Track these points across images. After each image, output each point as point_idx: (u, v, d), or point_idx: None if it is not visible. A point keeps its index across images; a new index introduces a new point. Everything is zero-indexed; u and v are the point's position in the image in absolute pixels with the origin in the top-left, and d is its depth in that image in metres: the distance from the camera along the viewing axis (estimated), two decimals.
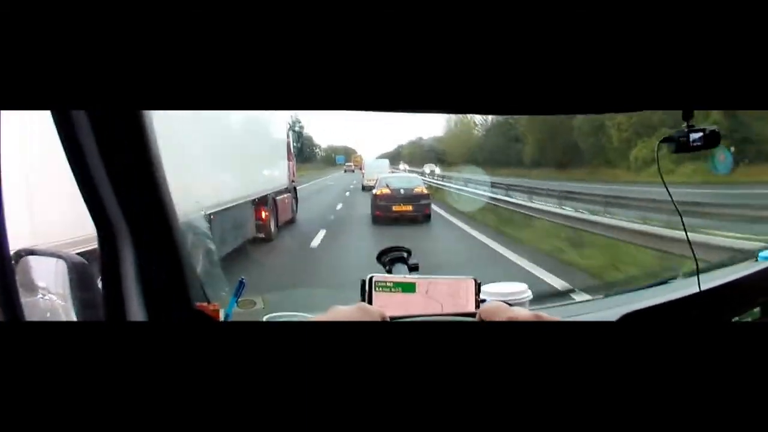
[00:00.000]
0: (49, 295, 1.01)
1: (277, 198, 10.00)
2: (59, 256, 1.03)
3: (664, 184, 1.32)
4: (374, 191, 12.15)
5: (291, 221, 11.33)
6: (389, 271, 1.17)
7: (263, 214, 9.04)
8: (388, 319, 0.64)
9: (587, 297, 1.70)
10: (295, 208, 11.97)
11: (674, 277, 1.61)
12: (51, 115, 0.93)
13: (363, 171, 21.77)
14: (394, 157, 57.85)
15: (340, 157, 57.95)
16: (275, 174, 10.48)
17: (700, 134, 1.18)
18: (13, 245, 0.74)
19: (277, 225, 9.88)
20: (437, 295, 0.88)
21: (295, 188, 12.13)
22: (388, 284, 0.87)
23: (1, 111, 0.71)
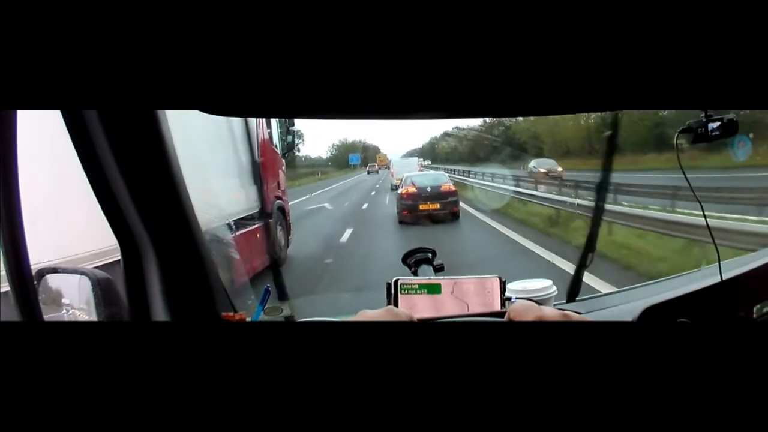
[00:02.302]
0: (73, 311, 1.02)
1: (238, 234, 5.04)
2: (83, 273, 1.04)
3: (683, 172, 1.31)
4: (399, 190, 11.77)
5: (276, 264, 6.05)
6: (415, 273, 1.17)
7: None
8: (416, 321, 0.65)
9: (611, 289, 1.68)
10: (281, 243, 6.78)
11: (696, 268, 1.60)
12: (65, 124, 0.92)
13: (392, 170, 21.47)
14: (427, 155, 46.61)
15: (354, 156, 46.14)
16: (232, 195, 5.48)
17: (718, 123, 1.18)
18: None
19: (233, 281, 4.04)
20: (463, 295, 0.89)
21: (283, 210, 7.05)
22: (413, 286, 0.88)
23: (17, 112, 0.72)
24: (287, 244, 7.03)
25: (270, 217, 6.39)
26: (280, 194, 7.26)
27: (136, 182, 0.97)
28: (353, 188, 24.14)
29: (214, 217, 3.24)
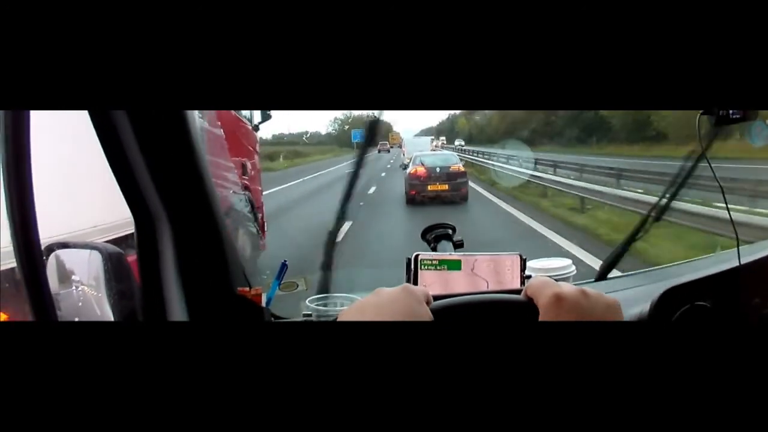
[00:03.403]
0: (83, 286, 1.02)
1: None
2: (93, 247, 1.03)
3: (707, 159, 1.29)
4: (408, 170, 11.66)
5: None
6: (434, 249, 1.16)
7: None
8: (432, 299, 0.64)
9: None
10: (246, 250, 2.90)
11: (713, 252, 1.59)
12: (95, 128, 0.91)
13: (403, 149, 21.16)
14: (447, 133, 41.84)
15: (357, 132, 35.81)
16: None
17: None
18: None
19: None
20: (482, 272, 0.89)
21: (251, 204, 4.90)
22: (433, 262, 0.88)
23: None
24: (256, 252, 3.71)
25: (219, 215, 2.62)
26: (246, 182, 5.19)
27: (154, 159, 0.97)
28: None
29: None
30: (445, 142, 33.94)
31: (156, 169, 0.96)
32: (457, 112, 40.83)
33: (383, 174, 18.03)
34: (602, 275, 1.56)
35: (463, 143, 32.73)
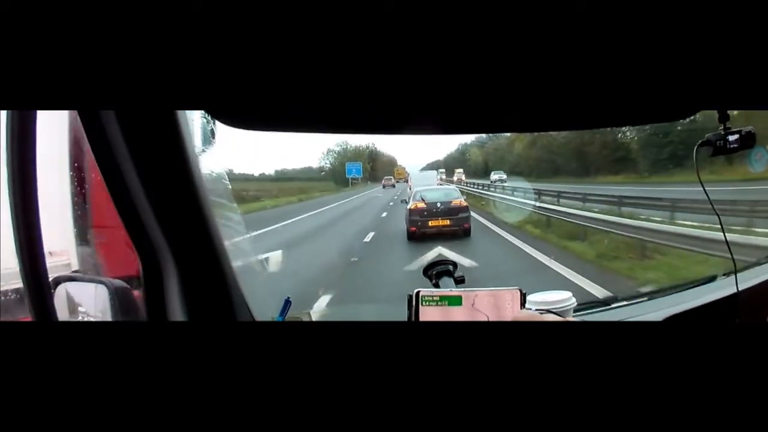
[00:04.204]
0: (89, 318, 1.01)
1: None
2: (100, 282, 1.04)
3: (703, 186, 1.31)
4: (408, 206, 11.29)
5: None
6: (436, 285, 1.17)
7: None
8: None
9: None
10: None
11: (713, 278, 1.59)
12: (82, 125, 0.91)
13: (409, 183, 20.68)
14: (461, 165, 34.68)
15: (353, 166, 33.34)
16: None
17: (737, 136, 1.18)
18: None
19: None
20: (483, 307, 0.89)
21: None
22: (434, 298, 0.89)
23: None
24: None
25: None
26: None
27: (154, 185, 0.97)
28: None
29: None
30: (444, 176, 30.39)
31: (148, 176, 0.96)
32: (468, 141, 36.71)
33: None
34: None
35: (463, 175, 29.22)
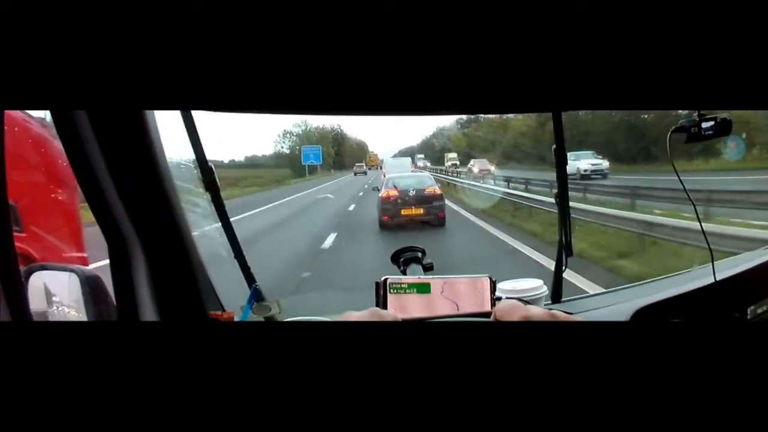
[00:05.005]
0: (62, 308, 1.01)
1: None
2: (71, 270, 1.03)
3: (677, 174, 1.31)
4: (380, 194, 10.82)
5: None
6: (404, 272, 1.15)
7: None
8: None
9: (602, 290, 1.69)
10: None
11: (689, 269, 1.61)
12: (54, 124, 0.91)
13: (383, 170, 20.27)
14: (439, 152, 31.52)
15: (310, 151, 27.80)
16: None
17: (712, 123, 1.18)
18: None
19: None
20: (452, 295, 0.88)
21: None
22: (402, 285, 0.87)
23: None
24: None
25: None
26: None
27: (124, 181, 0.96)
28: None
29: None
30: (429, 162, 27.95)
31: (120, 174, 0.96)
32: (447, 124, 32.95)
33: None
34: (556, 294, 1.54)
35: (457, 161, 25.79)
